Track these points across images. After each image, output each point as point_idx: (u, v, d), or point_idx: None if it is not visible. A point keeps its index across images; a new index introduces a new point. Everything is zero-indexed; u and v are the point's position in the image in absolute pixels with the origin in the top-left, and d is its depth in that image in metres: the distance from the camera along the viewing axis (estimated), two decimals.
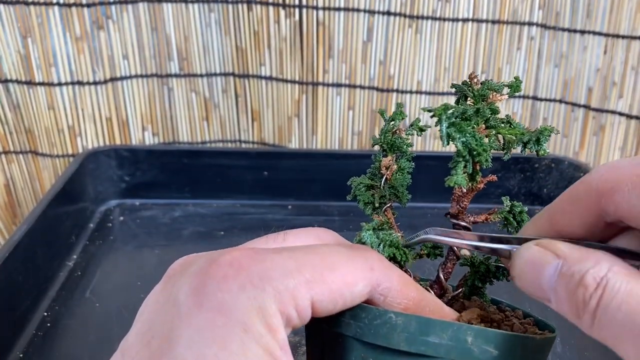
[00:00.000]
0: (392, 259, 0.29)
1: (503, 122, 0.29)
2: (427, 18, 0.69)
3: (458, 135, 0.26)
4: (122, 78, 0.72)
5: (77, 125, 0.71)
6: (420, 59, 0.71)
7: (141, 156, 0.68)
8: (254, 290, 0.23)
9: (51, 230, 0.56)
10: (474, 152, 0.26)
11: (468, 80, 0.30)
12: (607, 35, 0.67)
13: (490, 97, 0.30)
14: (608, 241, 0.26)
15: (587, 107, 0.71)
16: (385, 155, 0.32)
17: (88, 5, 0.67)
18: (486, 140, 0.28)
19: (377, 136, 0.32)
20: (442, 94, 0.73)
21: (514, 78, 0.29)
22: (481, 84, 0.30)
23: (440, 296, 0.31)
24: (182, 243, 0.62)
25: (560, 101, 0.73)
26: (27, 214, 0.61)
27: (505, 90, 0.30)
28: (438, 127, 0.26)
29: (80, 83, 0.70)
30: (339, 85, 0.73)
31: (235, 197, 0.69)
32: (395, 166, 0.31)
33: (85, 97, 0.70)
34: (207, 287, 0.24)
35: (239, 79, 0.75)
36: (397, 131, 0.31)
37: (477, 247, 0.28)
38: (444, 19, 0.69)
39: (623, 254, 0.24)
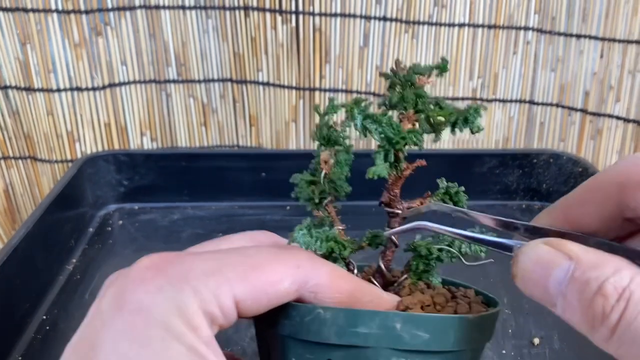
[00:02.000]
0: (332, 252, 0.29)
1: (433, 105, 0.29)
2: (424, 23, 0.70)
3: (374, 127, 0.27)
4: (120, 84, 0.72)
5: (75, 130, 0.72)
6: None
7: (139, 160, 0.69)
8: (172, 290, 0.24)
9: (50, 234, 0.56)
10: (393, 141, 0.27)
11: (394, 66, 0.30)
12: (603, 39, 0.68)
13: (418, 80, 0.29)
14: (624, 240, 0.25)
15: (584, 111, 0.72)
16: (323, 150, 0.31)
17: (86, 12, 0.67)
18: (411, 126, 0.28)
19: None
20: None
21: (441, 59, 0.29)
22: (408, 69, 0.29)
23: (385, 284, 0.31)
24: (181, 246, 0.61)
25: (557, 105, 0.73)
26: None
27: (433, 72, 0.29)
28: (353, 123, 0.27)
29: (78, 89, 0.70)
30: (335, 90, 0.74)
31: (233, 199, 0.69)
32: (332, 160, 0.31)
33: (83, 103, 0.71)
34: (126, 291, 0.24)
35: (237, 85, 0.75)
36: (333, 125, 0.31)
37: (475, 239, 0.27)
38: (440, 24, 0.70)
39: (638, 258, 0.22)
